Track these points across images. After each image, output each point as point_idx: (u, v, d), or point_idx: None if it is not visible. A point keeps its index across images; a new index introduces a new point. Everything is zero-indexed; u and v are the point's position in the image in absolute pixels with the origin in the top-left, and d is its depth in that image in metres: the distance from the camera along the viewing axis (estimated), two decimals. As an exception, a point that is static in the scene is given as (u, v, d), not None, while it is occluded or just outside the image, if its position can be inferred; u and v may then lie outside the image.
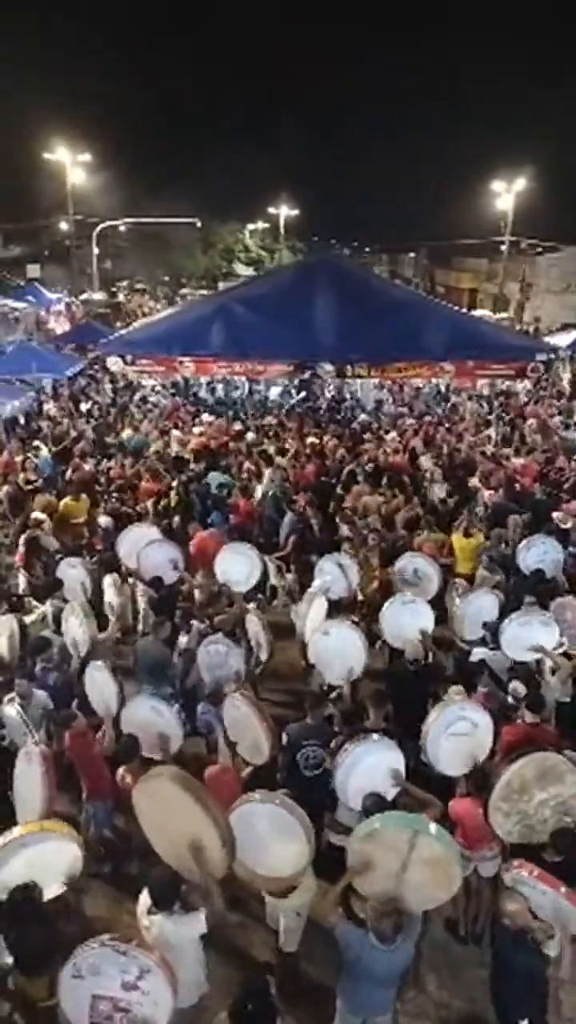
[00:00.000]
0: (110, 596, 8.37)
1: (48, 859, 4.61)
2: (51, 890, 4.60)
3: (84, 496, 11.52)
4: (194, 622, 7.82)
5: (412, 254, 75.23)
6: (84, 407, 19.67)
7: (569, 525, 10.50)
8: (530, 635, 7.19)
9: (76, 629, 7.49)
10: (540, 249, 48.87)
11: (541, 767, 5.01)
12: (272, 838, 4.60)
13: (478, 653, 7.38)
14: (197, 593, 8.69)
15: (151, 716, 6.03)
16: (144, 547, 8.99)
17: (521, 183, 41.01)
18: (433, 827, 4.44)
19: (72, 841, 4.73)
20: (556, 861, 4.84)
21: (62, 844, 4.70)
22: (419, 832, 4.31)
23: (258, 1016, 3.74)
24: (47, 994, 4.44)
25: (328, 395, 21.66)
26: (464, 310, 26.76)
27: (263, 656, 8.02)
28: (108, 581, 8.40)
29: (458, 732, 5.67)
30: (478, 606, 7.84)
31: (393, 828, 4.39)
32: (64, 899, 4.79)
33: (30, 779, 5.57)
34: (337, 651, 6.97)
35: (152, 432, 16.19)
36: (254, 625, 8.02)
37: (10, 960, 4.37)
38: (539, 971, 4.40)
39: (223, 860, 4.28)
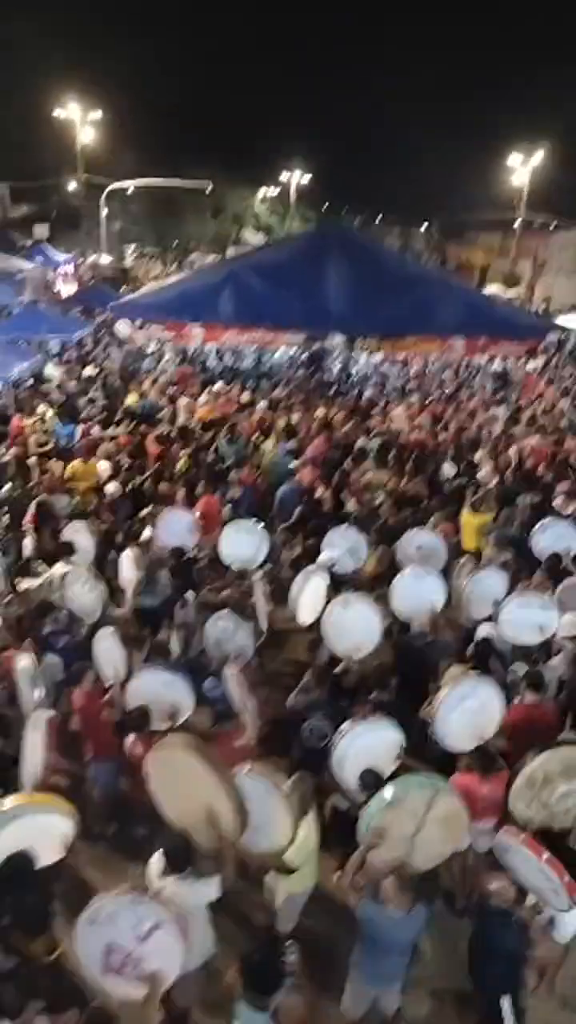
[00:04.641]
0: (128, 570, 8.28)
1: (38, 831, 4.64)
2: (44, 859, 4.65)
3: (92, 460, 11.49)
4: (189, 594, 7.81)
5: (424, 227, 74.28)
6: (89, 371, 19.51)
7: (571, 511, 10.47)
8: (529, 616, 7.21)
9: (85, 595, 7.48)
10: (555, 227, 48.26)
11: (567, 761, 5.05)
12: (258, 811, 4.64)
13: (484, 631, 7.40)
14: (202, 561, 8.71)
15: (161, 688, 6.05)
16: (160, 518, 9.00)
17: (539, 157, 40.38)
18: (447, 785, 4.54)
19: (62, 813, 4.76)
20: None
21: (51, 817, 4.73)
22: (440, 791, 4.39)
23: (265, 969, 3.82)
24: (46, 952, 4.56)
25: (336, 368, 21.51)
26: (475, 286, 26.53)
27: (262, 626, 8.05)
28: (128, 555, 8.31)
29: (468, 709, 5.70)
30: (487, 584, 7.82)
31: (415, 792, 4.45)
32: (58, 866, 4.83)
33: (33, 744, 5.62)
34: (352, 625, 6.96)
35: (161, 399, 16.08)
36: (256, 594, 8.04)
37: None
38: (521, 950, 4.47)
39: (236, 827, 4.33)
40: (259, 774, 4.68)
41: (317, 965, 4.91)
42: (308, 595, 7.86)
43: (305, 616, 7.74)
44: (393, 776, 5.26)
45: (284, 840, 4.70)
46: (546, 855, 4.52)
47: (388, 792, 4.54)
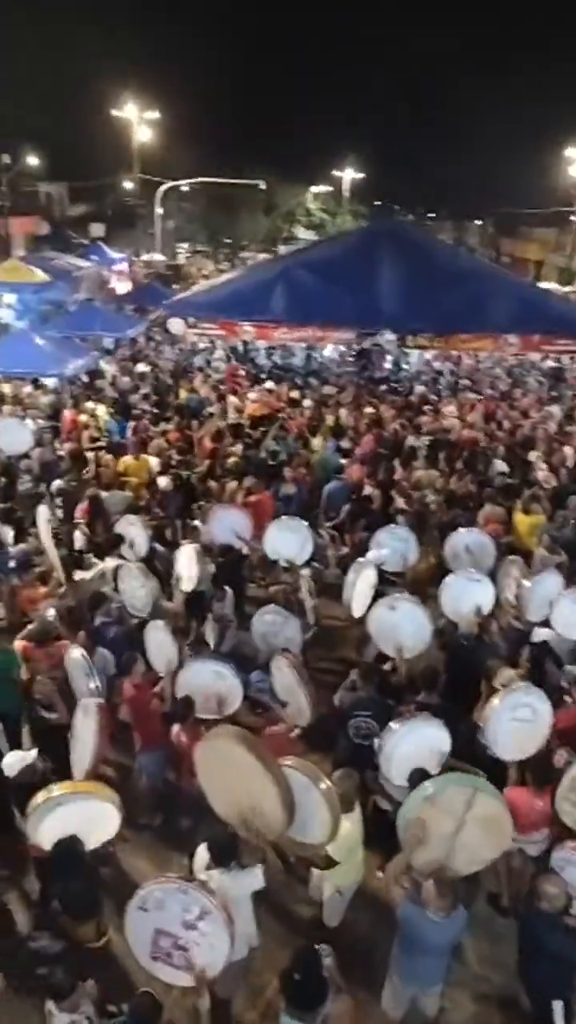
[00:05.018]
0: (185, 566, 8.29)
1: (83, 818, 4.72)
2: (90, 844, 4.74)
3: (143, 456, 11.67)
4: (227, 588, 7.86)
5: (478, 222, 73.26)
6: (141, 368, 19.76)
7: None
8: None
9: (136, 590, 7.60)
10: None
11: None
12: (300, 805, 4.65)
13: (541, 634, 7.28)
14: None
15: (213, 679, 6.13)
16: (211, 514, 9.11)
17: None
18: (489, 785, 4.51)
19: (106, 801, 4.84)
20: None
21: (97, 804, 4.80)
22: (479, 790, 4.35)
23: (306, 986, 3.80)
24: (95, 936, 4.66)
25: (387, 365, 21.34)
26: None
27: (310, 620, 8.06)
28: (187, 551, 8.34)
29: (520, 718, 5.63)
30: (544, 587, 7.65)
31: (453, 788, 4.42)
32: (103, 852, 4.92)
33: (85, 731, 5.73)
34: (399, 626, 6.94)
35: (210, 395, 16.24)
36: (303, 590, 8.05)
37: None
38: (572, 953, 4.39)
39: (283, 821, 4.36)
40: (299, 768, 4.69)
41: (357, 962, 4.91)
42: (360, 588, 7.86)
43: (357, 609, 7.73)
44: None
45: (323, 836, 4.70)
46: None
47: (427, 787, 4.51)
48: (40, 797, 4.69)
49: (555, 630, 7.20)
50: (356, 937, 5.41)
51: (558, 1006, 4.35)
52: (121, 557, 8.43)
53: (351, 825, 5.05)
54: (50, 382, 16.61)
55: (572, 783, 5.11)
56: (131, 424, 13.67)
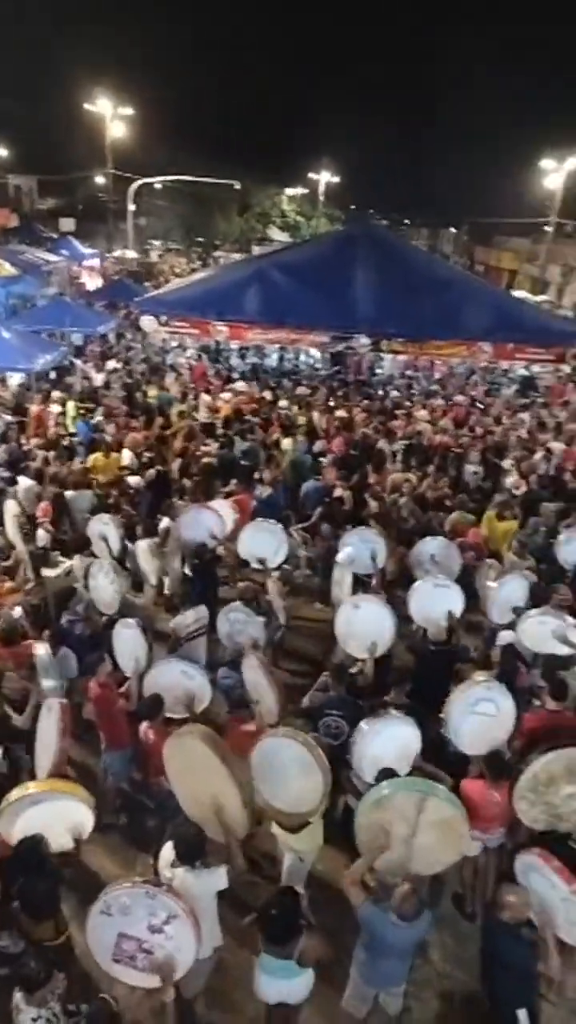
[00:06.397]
0: (144, 562, 8.32)
1: (57, 817, 4.65)
2: (58, 844, 4.65)
3: (114, 454, 11.55)
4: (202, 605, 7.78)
5: (453, 229, 73.96)
6: (111, 364, 19.61)
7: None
8: (546, 634, 7.07)
9: (106, 587, 7.51)
10: (586, 232, 47.75)
11: (571, 763, 5.01)
12: (291, 774, 4.69)
13: (505, 637, 7.34)
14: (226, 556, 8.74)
15: (181, 679, 6.09)
16: (184, 513, 9.03)
17: (574, 161, 39.89)
18: (441, 789, 4.51)
19: (82, 802, 4.77)
20: None
21: (71, 804, 4.72)
22: (427, 795, 4.37)
23: (282, 920, 3.87)
24: (53, 935, 4.58)
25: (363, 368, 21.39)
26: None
27: (281, 620, 8.05)
28: (143, 546, 8.34)
29: (482, 712, 5.67)
30: (509, 590, 7.71)
31: (402, 793, 4.43)
32: (70, 853, 4.84)
33: (47, 731, 5.65)
34: (364, 626, 6.96)
35: (179, 393, 16.17)
36: (272, 591, 8.04)
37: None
38: (533, 963, 4.39)
39: (244, 821, 4.34)
40: (291, 736, 4.70)
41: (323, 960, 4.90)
42: (347, 589, 7.90)
43: None
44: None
45: (315, 802, 4.73)
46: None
47: (379, 789, 4.53)
48: (15, 794, 4.60)
49: (520, 641, 7.18)
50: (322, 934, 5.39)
51: (523, 1014, 4.34)
52: (91, 555, 8.34)
53: None
54: (16, 377, 16.38)
55: (530, 782, 5.14)
56: (100, 421, 13.53)
